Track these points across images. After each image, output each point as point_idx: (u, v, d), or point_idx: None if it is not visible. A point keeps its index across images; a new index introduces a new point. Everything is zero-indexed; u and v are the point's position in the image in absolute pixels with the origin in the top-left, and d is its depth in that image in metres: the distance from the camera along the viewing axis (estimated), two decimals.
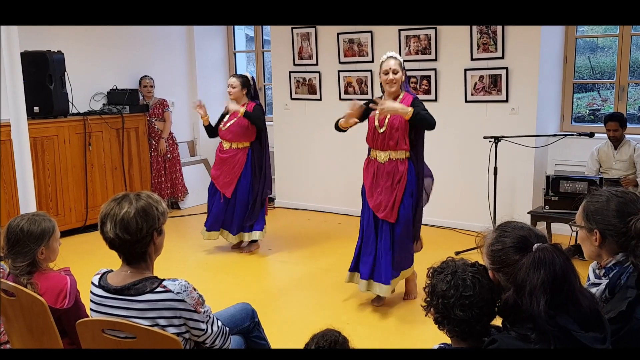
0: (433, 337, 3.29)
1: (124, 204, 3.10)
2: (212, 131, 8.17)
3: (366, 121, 6.35)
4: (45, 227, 3.79)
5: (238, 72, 8.31)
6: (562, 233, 7.72)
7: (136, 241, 3.09)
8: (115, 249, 3.16)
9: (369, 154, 6.40)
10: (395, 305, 6.34)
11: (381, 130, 6.12)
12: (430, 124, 5.98)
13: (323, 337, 3.42)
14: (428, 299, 2.82)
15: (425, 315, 2.86)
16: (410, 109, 5.90)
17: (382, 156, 6.18)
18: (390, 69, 6.12)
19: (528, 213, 7.76)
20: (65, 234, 8.70)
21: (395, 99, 6.15)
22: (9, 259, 3.75)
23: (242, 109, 7.79)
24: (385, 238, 6.17)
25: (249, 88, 7.95)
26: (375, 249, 6.25)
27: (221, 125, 8.03)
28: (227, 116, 8.01)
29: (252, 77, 8.07)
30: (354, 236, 8.66)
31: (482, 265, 2.80)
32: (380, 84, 6.29)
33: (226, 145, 8.01)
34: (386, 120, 6.09)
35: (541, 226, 7.79)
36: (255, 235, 8.12)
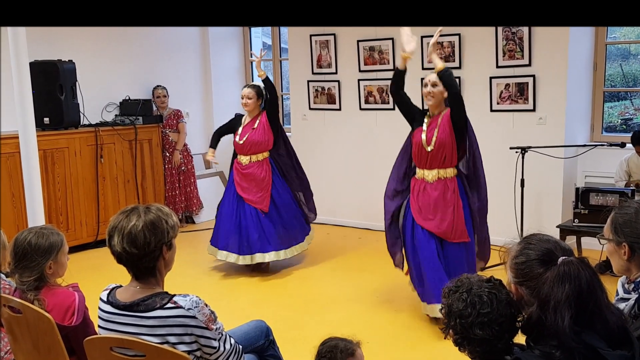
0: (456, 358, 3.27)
1: (132, 217, 3.10)
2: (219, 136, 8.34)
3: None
4: (53, 241, 3.80)
5: (255, 82, 8.30)
6: (593, 248, 7.65)
7: (144, 255, 3.09)
8: (123, 264, 3.16)
9: (414, 173, 6.44)
10: (416, 326, 6.32)
11: (429, 149, 6.16)
12: (456, 88, 6.11)
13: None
14: (445, 321, 2.80)
15: (445, 338, 2.84)
16: (442, 65, 6.04)
17: (429, 175, 6.24)
18: (429, 81, 6.21)
19: (557, 227, 7.71)
20: (76, 249, 8.74)
21: (437, 114, 6.25)
22: (16, 273, 3.76)
23: (263, 74, 7.85)
24: (452, 259, 6.23)
25: (263, 97, 7.98)
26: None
27: (237, 139, 8.01)
28: (241, 128, 8.00)
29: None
30: (375, 251, 8.69)
31: (498, 279, 2.79)
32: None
33: (244, 159, 7.97)
34: (434, 138, 6.14)
35: (571, 240, 7.74)
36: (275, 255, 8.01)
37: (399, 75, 6.39)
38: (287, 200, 8.05)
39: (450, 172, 6.22)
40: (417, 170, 6.37)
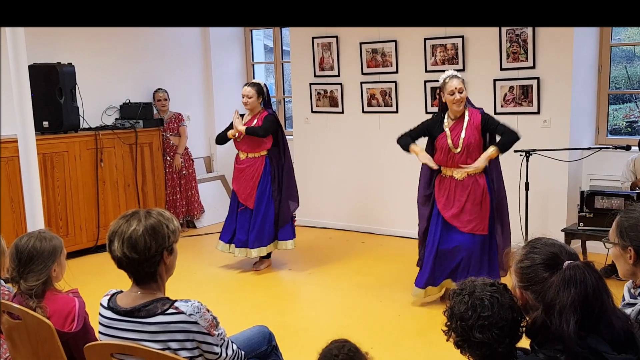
0: None
1: (132, 221, 3.10)
2: (222, 139, 8.32)
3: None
4: (55, 244, 3.81)
5: (255, 80, 8.34)
6: (598, 252, 7.65)
7: (145, 260, 3.08)
8: (124, 269, 3.15)
9: (439, 172, 6.72)
10: (421, 331, 6.31)
11: (457, 151, 6.48)
12: (515, 141, 6.50)
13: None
14: (448, 323, 2.80)
15: (447, 340, 2.84)
16: (495, 151, 6.44)
17: (458, 173, 6.56)
18: (456, 88, 6.44)
19: (562, 231, 7.71)
20: (75, 254, 8.74)
21: (461, 116, 6.53)
22: (21, 279, 3.74)
23: (243, 128, 7.87)
24: (475, 251, 6.61)
25: (263, 96, 8.03)
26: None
27: (236, 136, 8.07)
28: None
29: (265, 84, 8.14)
30: (379, 256, 8.69)
31: (503, 283, 2.79)
32: (440, 101, 6.74)
33: (242, 155, 8.11)
34: (460, 141, 6.45)
35: (576, 244, 7.73)
36: (284, 245, 8.27)
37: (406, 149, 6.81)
38: (264, 203, 8.11)
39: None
40: (443, 169, 6.67)
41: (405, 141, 6.75)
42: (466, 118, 6.50)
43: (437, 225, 6.70)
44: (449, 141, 6.48)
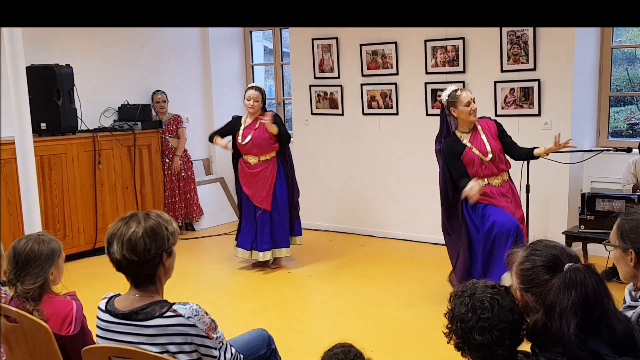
0: None
1: (131, 223, 3.10)
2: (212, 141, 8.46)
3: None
4: (54, 247, 3.81)
5: (256, 84, 8.40)
6: (599, 254, 7.64)
7: (144, 262, 3.08)
8: (122, 271, 3.15)
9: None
10: (421, 335, 6.31)
11: (489, 158, 6.54)
12: None
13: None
14: (449, 325, 2.81)
15: (448, 343, 2.84)
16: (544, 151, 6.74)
17: (495, 181, 6.64)
18: (472, 99, 6.51)
19: (563, 233, 7.71)
20: (73, 257, 8.73)
21: (474, 128, 6.63)
22: (18, 282, 3.74)
23: (275, 128, 7.93)
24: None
25: (265, 99, 8.09)
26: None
27: (239, 140, 8.07)
28: (242, 130, 8.05)
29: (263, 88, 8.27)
30: (379, 258, 8.69)
31: (504, 286, 2.79)
32: (446, 116, 6.67)
33: (253, 160, 8.12)
34: (488, 147, 6.53)
35: (577, 247, 7.73)
36: (296, 241, 8.56)
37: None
38: (283, 205, 8.22)
39: (507, 174, 6.76)
40: (480, 180, 6.60)
41: (463, 182, 6.57)
42: (479, 127, 6.60)
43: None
44: (477, 152, 6.50)
